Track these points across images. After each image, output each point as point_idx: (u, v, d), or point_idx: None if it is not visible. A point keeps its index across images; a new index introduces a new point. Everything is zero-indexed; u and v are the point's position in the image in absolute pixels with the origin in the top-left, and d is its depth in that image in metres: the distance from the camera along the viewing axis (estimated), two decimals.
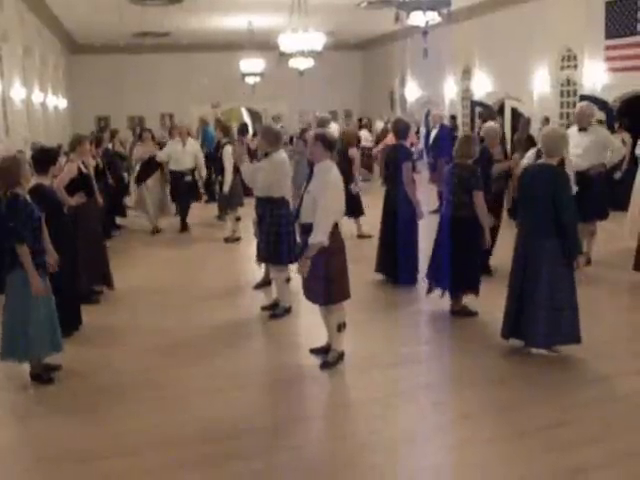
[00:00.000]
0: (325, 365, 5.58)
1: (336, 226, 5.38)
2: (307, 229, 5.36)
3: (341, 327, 5.61)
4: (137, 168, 12.29)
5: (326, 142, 5.43)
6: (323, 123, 10.87)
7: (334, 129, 15.46)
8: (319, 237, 5.19)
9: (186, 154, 11.89)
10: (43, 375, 5.48)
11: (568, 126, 11.34)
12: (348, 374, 5.57)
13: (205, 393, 5.18)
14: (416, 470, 4.10)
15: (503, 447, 4.29)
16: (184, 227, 12.05)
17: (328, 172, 5.40)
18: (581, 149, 8.07)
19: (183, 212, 12.15)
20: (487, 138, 8.20)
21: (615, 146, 8.60)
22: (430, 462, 4.18)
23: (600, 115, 13.12)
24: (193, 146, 12.31)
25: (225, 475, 4.06)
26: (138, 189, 12.17)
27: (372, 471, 4.05)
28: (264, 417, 4.79)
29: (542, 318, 5.49)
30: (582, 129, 8.21)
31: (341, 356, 5.68)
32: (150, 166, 11.83)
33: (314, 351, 5.85)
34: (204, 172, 12.74)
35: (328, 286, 5.35)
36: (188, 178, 11.98)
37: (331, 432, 4.63)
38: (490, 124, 8.90)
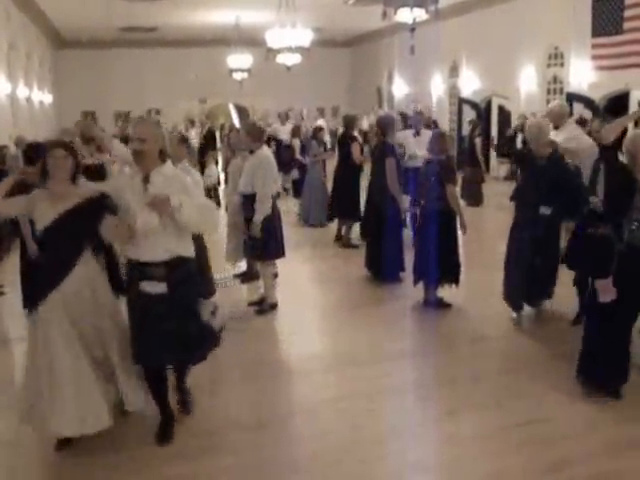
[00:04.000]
0: (260, 312, 6.90)
1: None
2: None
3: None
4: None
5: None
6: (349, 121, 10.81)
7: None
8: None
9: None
10: None
11: None
12: (333, 370, 5.58)
13: (190, 388, 5.16)
14: (402, 465, 4.11)
15: (487, 442, 4.31)
16: None
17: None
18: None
19: None
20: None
21: (585, 145, 8.43)
22: (415, 457, 4.19)
23: (586, 113, 13.20)
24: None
25: (211, 469, 4.06)
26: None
27: (358, 466, 4.06)
28: (250, 412, 4.79)
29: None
30: (556, 127, 8.18)
31: (274, 306, 6.92)
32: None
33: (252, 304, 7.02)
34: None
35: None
36: (159, 289, 4.09)
37: (317, 428, 4.63)
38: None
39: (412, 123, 10.71)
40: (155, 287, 4.09)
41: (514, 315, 6.40)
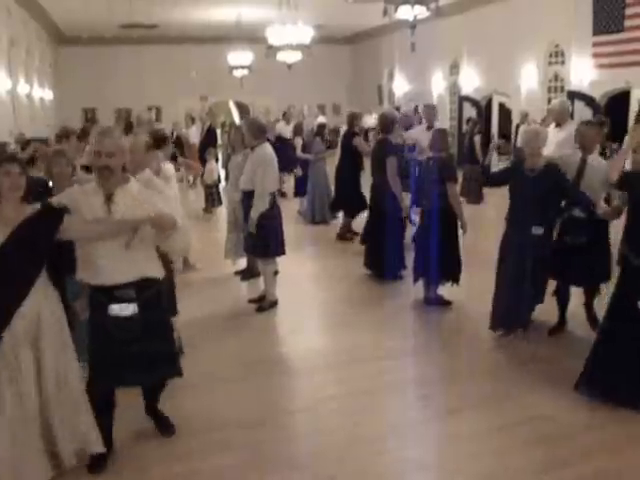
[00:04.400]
0: (260, 310, 6.91)
1: None
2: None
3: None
4: None
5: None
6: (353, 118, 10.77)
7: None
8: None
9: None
10: None
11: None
12: (334, 367, 5.58)
13: (190, 386, 5.16)
14: (402, 463, 4.11)
15: (487, 441, 4.32)
16: None
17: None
18: (553, 145, 8.00)
19: None
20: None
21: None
22: (416, 455, 4.20)
23: (587, 111, 13.21)
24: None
25: (211, 467, 4.06)
26: None
27: (358, 464, 4.06)
28: (250, 410, 4.79)
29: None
30: (558, 125, 8.17)
31: (274, 303, 6.98)
32: None
33: (252, 301, 7.11)
34: None
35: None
36: (130, 310, 3.91)
37: (317, 425, 4.63)
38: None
39: (403, 124, 10.70)
40: (125, 310, 3.83)
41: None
